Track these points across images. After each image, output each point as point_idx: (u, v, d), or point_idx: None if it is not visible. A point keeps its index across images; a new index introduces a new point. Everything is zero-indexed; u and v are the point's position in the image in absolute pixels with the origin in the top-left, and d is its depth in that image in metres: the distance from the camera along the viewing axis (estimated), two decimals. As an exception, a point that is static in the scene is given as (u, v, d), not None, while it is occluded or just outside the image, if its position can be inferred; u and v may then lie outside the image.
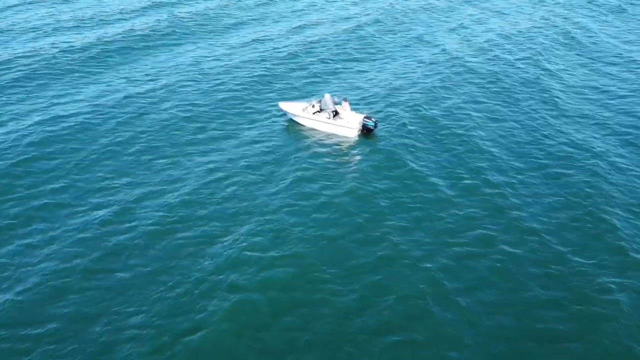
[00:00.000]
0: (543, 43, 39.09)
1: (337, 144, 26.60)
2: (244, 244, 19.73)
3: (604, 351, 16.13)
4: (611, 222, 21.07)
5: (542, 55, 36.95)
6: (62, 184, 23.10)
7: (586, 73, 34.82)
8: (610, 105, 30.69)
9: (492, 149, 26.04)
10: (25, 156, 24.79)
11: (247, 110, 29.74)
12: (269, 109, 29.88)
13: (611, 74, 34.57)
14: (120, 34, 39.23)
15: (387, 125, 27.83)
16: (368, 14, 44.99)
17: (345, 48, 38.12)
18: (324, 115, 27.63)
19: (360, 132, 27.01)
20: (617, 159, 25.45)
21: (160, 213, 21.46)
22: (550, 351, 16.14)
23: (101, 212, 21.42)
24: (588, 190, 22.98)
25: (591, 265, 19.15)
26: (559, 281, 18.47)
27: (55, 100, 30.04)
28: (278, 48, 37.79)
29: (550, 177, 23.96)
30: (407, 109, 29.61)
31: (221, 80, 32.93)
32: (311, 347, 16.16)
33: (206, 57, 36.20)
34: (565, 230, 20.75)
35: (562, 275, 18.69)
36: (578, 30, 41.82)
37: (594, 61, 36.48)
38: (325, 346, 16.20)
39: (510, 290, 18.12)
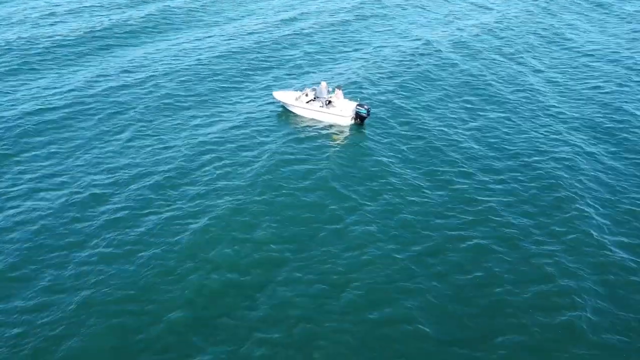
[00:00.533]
0: (527, 37, 39.53)
1: (328, 132, 26.74)
2: (232, 224, 20.05)
3: (566, 324, 16.63)
4: (580, 208, 21.47)
5: (528, 52, 37.28)
6: (53, 170, 23.29)
7: (569, 68, 35.11)
8: (589, 98, 30.85)
9: (469, 142, 26.28)
10: (20, 143, 25.03)
11: (241, 98, 29.92)
12: (262, 97, 30.07)
13: (592, 67, 34.77)
14: (115, 24, 39.35)
15: (376, 116, 28.09)
16: (359, 7, 45.37)
17: (332, 39, 38.33)
18: (317, 103, 27.81)
19: (353, 120, 27.22)
20: (590, 149, 25.77)
21: (149, 192, 21.73)
22: (517, 325, 16.65)
23: (91, 191, 21.69)
24: (559, 179, 23.33)
25: (557, 247, 19.61)
26: (527, 262, 18.94)
27: (50, 88, 30.16)
28: (271, 39, 38.00)
29: (524, 168, 24.21)
30: (395, 99, 29.90)
31: (216, 69, 33.08)
32: (298, 323, 16.39)
33: (200, 47, 36.30)
34: (535, 217, 21.13)
35: (531, 257, 19.15)
36: (562, 25, 42.22)
37: (578, 55, 36.75)
38: (309, 322, 16.44)
39: (480, 274, 18.45)
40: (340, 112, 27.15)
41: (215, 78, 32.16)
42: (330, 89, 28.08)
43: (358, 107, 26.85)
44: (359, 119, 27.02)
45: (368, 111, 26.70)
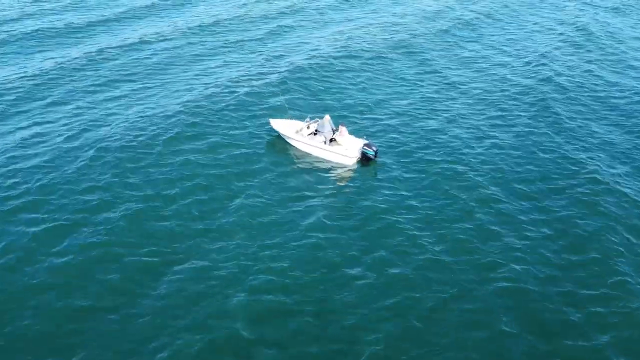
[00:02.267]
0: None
1: (331, 173, 24.45)
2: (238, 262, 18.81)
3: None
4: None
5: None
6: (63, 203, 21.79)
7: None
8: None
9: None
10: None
11: (233, 126, 27.89)
12: (258, 124, 28.09)
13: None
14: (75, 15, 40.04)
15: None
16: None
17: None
18: (319, 138, 25.81)
19: (358, 159, 25.18)
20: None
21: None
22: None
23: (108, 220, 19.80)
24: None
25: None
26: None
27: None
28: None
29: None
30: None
31: (209, 87, 31.34)
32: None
33: (162, 42, 35.27)
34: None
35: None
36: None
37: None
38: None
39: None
40: (345, 152, 24.96)
41: (208, 97, 30.44)
42: (334, 127, 26.31)
43: (365, 147, 24.64)
44: (365, 159, 24.95)
45: (376, 153, 24.60)
